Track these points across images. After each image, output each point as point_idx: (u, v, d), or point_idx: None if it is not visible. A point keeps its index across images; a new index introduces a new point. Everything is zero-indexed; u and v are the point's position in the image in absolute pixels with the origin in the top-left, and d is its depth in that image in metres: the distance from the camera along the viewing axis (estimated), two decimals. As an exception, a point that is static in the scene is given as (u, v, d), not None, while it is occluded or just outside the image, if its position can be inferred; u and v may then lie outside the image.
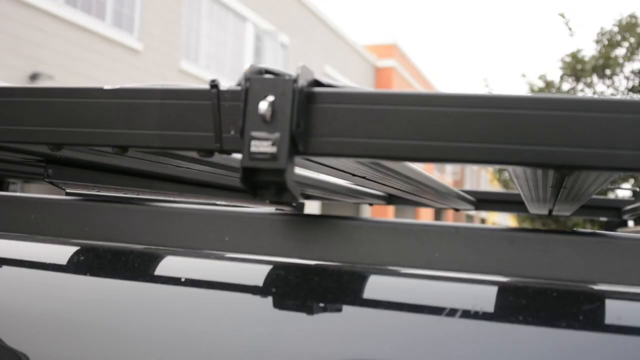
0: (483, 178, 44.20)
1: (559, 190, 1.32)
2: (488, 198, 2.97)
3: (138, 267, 0.97)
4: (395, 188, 1.65)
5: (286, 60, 20.95)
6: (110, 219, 1.05)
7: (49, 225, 1.08)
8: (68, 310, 0.93)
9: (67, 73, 12.55)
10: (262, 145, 0.84)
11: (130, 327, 0.89)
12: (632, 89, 12.03)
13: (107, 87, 0.97)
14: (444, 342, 0.79)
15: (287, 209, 2.72)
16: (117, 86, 0.97)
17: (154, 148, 0.95)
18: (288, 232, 0.96)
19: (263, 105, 0.84)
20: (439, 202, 2.36)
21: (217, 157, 0.99)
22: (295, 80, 0.85)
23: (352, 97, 0.86)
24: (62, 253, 1.02)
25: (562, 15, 12.01)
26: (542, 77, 12.39)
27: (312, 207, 14.54)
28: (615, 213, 2.65)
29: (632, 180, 8.83)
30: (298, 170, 1.66)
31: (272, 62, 20.22)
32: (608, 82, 12.14)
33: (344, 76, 24.97)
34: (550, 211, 2.32)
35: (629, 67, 12.05)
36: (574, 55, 12.04)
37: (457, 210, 2.90)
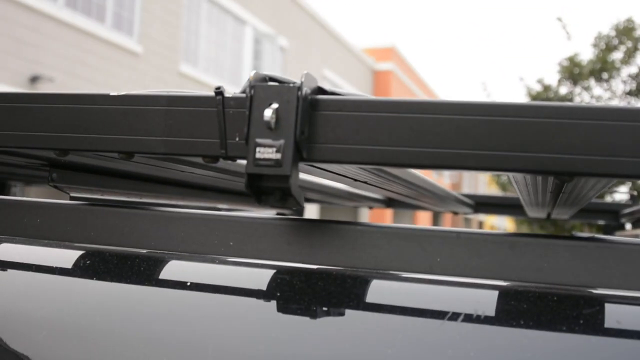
0: (481, 181, 44.20)
1: (558, 195, 1.33)
2: (487, 202, 2.98)
3: (143, 271, 0.98)
4: (396, 192, 1.66)
5: (285, 63, 20.96)
6: (115, 224, 1.06)
7: (54, 229, 1.09)
8: (74, 314, 0.93)
9: (67, 76, 12.55)
10: (266, 152, 0.85)
11: (136, 332, 0.89)
12: (630, 93, 12.06)
13: (113, 93, 0.98)
14: (447, 346, 0.79)
15: (287, 213, 2.73)
16: (123, 93, 0.98)
17: (159, 154, 0.96)
18: (292, 237, 0.97)
19: (268, 113, 0.85)
20: (438, 205, 2.37)
21: (220, 162, 1.00)
22: (299, 88, 0.86)
23: (355, 104, 0.87)
24: (67, 257, 1.03)
25: (560, 20, 12.05)
26: (540, 81, 12.42)
27: (311, 211, 14.53)
28: (613, 216, 2.66)
29: (629, 184, 8.86)
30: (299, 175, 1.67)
31: (271, 65, 20.22)
32: (605, 85, 12.18)
33: (343, 79, 24.98)
34: (549, 215, 2.33)
35: (626, 71, 12.10)
36: (571, 59, 12.08)
37: (456, 213, 2.92)
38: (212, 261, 0.99)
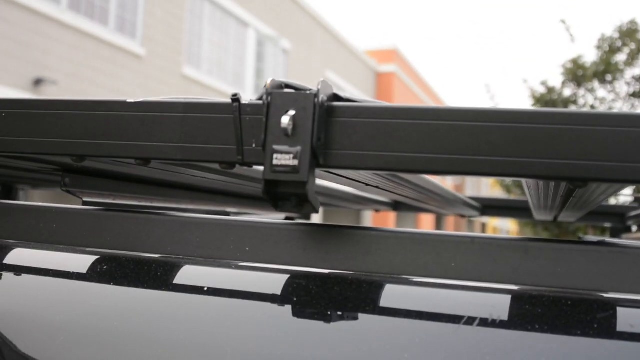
0: (484, 183, 44.17)
1: (568, 199, 1.34)
2: (493, 204, 2.99)
3: (160, 276, 0.99)
4: (406, 196, 1.67)
5: (288, 65, 20.97)
6: (131, 229, 1.07)
7: (70, 234, 1.10)
8: (91, 320, 0.94)
9: (70, 78, 12.58)
10: (283, 159, 0.86)
11: (153, 337, 0.90)
12: (634, 95, 12.06)
13: (129, 100, 0.99)
14: (462, 351, 0.80)
15: (295, 217, 2.74)
16: (140, 99, 0.99)
17: (176, 160, 0.97)
18: (307, 242, 0.98)
19: (285, 120, 0.86)
20: (445, 208, 2.38)
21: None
22: (316, 95, 0.87)
23: (371, 111, 0.88)
24: (84, 262, 1.04)
25: (564, 22, 12.06)
26: (543, 83, 12.42)
27: (315, 214, 14.54)
28: (619, 219, 2.67)
29: (634, 187, 8.84)
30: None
31: (274, 67, 20.23)
32: (609, 87, 12.18)
33: (345, 81, 24.98)
34: (556, 217, 2.33)
35: (629, 73, 12.10)
36: (575, 61, 12.08)
37: (462, 216, 2.92)
38: (228, 266, 1.00)
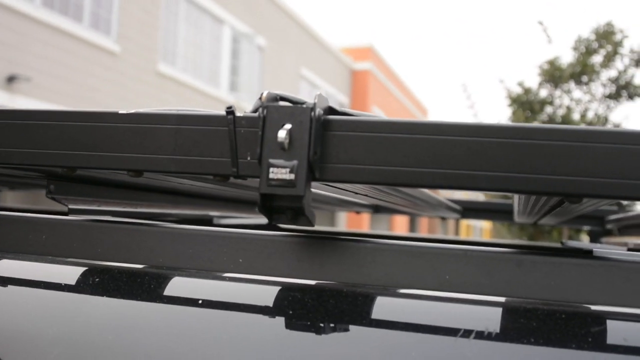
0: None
1: (555, 208, 1.35)
2: (474, 207, 3.01)
3: (152, 288, 0.98)
4: (392, 202, 1.68)
5: (263, 62, 20.94)
6: (123, 240, 1.06)
7: (60, 246, 1.09)
8: (81, 332, 0.94)
9: (44, 75, 12.47)
10: (280, 172, 0.86)
11: (146, 350, 0.90)
12: (609, 96, 12.18)
13: (122, 111, 0.98)
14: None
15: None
16: (132, 111, 0.98)
17: (169, 172, 0.97)
18: (302, 254, 0.98)
19: (282, 134, 0.86)
20: (427, 211, 2.39)
21: None
22: (312, 109, 0.87)
23: (367, 125, 0.88)
24: (74, 274, 1.03)
25: (541, 23, 12.15)
26: (520, 84, 12.50)
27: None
28: (598, 222, 2.69)
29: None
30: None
31: (249, 64, 20.20)
32: (585, 88, 12.30)
33: (321, 79, 24.99)
34: (536, 221, 2.35)
35: (605, 75, 12.22)
36: (552, 62, 12.18)
37: (443, 219, 2.94)
38: (222, 278, 1.00)
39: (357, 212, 3.02)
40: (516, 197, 1.38)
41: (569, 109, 12.31)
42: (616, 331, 0.84)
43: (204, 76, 18.25)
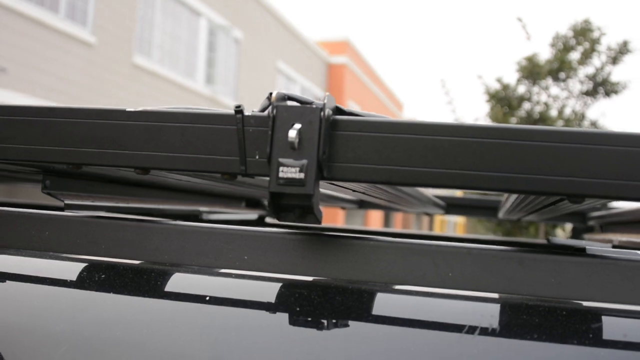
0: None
1: (548, 207, 1.37)
2: (458, 203, 3.04)
3: (158, 285, 0.99)
4: (385, 199, 1.69)
5: (239, 55, 20.87)
6: (128, 237, 1.07)
7: (64, 242, 1.09)
8: (86, 328, 0.94)
9: (20, 66, 12.35)
10: (289, 171, 0.87)
11: (151, 346, 0.90)
12: (587, 93, 12.28)
13: (129, 109, 0.99)
14: (457, 359, 0.82)
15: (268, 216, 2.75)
16: (140, 109, 0.99)
17: (177, 170, 0.97)
18: (306, 251, 0.99)
19: (292, 133, 0.87)
20: (412, 207, 2.40)
21: None
22: (322, 109, 0.88)
23: (375, 125, 0.90)
24: (78, 270, 1.03)
25: (520, 19, 12.23)
26: (498, 80, 12.56)
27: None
28: (580, 219, 2.72)
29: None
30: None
31: (225, 57, 20.12)
32: (563, 85, 12.39)
33: (297, 72, 24.95)
34: (520, 218, 2.38)
35: (583, 71, 12.33)
36: (530, 59, 12.25)
37: (428, 214, 2.96)
38: (227, 275, 1.01)
39: (343, 208, 3.03)
40: (511, 196, 1.40)
41: (546, 105, 12.41)
42: (615, 327, 0.86)
43: (180, 68, 18.16)
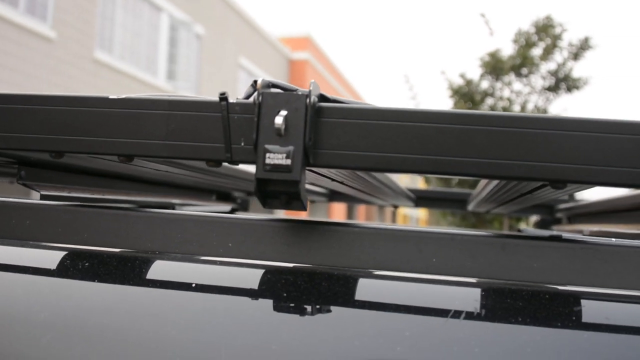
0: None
1: (521, 197, 1.39)
2: (426, 195, 3.06)
3: (141, 273, 0.99)
4: (359, 190, 1.70)
5: (201, 51, 20.77)
6: (110, 225, 1.06)
7: (45, 231, 1.09)
8: (71, 316, 0.93)
9: (-22, 61, 12.18)
10: (276, 158, 0.88)
11: (134, 334, 0.90)
12: (549, 88, 12.43)
13: (112, 96, 0.98)
14: (442, 343, 0.83)
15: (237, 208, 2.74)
16: (123, 96, 0.99)
17: (161, 157, 0.97)
18: (291, 238, 1.00)
19: (278, 120, 0.87)
20: (382, 199, 2.42)
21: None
22: (307, 96, 0.89)
23: (359, 112, 0.91)
24: (61, 259, 1.02)
25: (483, 15, 12.35)
26: (462, 75, 12.67)
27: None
28: (548, 211, 2.76)
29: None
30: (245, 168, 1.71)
31: (187, 53, 20.01)
32: (525, 81, 12.53)
33: (259, 68, 24.89)
34: (489, 210, 2.40)
35: (545, 67, 12.47)
36: (493, 54, 12.37)
37: (395, 207, 2.97)
38: (212, 262, 1.01)
39: (312, 201, 3.04)
40: (489, 185, 1.41)
41: (509, 100, 12.54)
42: (597, 310, 0.88)
43: (141, 64, 18.03)
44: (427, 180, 13.57)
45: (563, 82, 12.54)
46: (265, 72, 25.49)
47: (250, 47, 24.57)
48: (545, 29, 12.22)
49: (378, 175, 1.47)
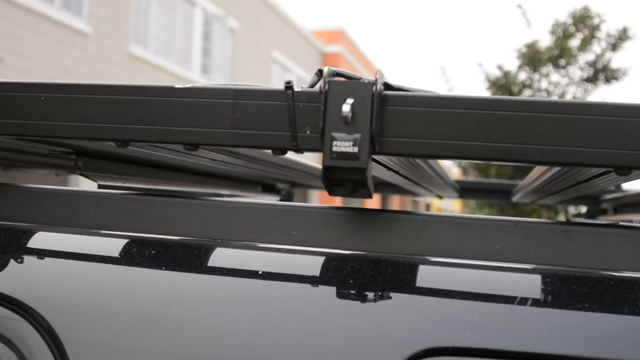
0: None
1: (574, 186, 1.39)
2: (470, 187, 3.05)
3: (207, 260, 1.00)
4: (412, 180, 1.70)
5: (234, 45, 20.81)
6: (175, 214, 1.07)
7: (110, 219, 1.10)
8: (137, 303, 0.95)
9: (16, 56, 12.30)
10: (343, 146, 0.89)
11: (202, 322, 0.91)
12: (587, 79, 12.30)
13: (178, 85, 1.00)
14: (510, 329, 0.84)
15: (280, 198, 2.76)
16: (189, 85, 1.00)
17: (227, 146, 0.98)
18: (355, 226, 1.00)
19: (346, 108, 0.88)
20: (430, 190, 2.42)
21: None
22: (374, 84, 0.89)
23: (424, 100, 0.91)
24: (126, 247, 1.04)
25: (520, 6, 12.26)
26: (499, 67, 12.58)
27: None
28: (594, 202, 2.74)
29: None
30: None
31: (221, 46, 20.07)
32: (563, 72, 12.41)
33: (292, 61, 24.89)
34: (534, 201, 2.39)
35: (583, 58, 12.34)
36: (530, 46, 12.27)
37: (440, 197, 2.97)
38: (276, 250, 1.02)
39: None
40: (546, 174, 1.41)
41: (547, 92, 12.44)
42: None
43: (175, 58, 18.11)
44: (464, 171, 13.50)
45: (601, 73, 12.40)
46: (299, 66, 25.49)
47: (283, 41, 24.58)
48: (583, 20, 12.10)
49: (433, 164, 1.47)
